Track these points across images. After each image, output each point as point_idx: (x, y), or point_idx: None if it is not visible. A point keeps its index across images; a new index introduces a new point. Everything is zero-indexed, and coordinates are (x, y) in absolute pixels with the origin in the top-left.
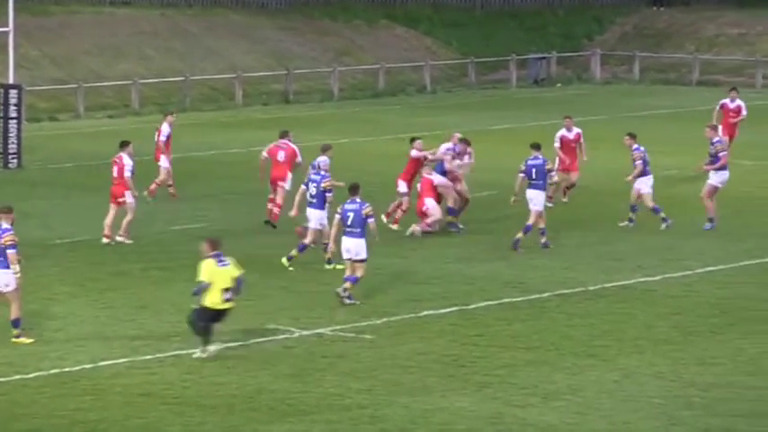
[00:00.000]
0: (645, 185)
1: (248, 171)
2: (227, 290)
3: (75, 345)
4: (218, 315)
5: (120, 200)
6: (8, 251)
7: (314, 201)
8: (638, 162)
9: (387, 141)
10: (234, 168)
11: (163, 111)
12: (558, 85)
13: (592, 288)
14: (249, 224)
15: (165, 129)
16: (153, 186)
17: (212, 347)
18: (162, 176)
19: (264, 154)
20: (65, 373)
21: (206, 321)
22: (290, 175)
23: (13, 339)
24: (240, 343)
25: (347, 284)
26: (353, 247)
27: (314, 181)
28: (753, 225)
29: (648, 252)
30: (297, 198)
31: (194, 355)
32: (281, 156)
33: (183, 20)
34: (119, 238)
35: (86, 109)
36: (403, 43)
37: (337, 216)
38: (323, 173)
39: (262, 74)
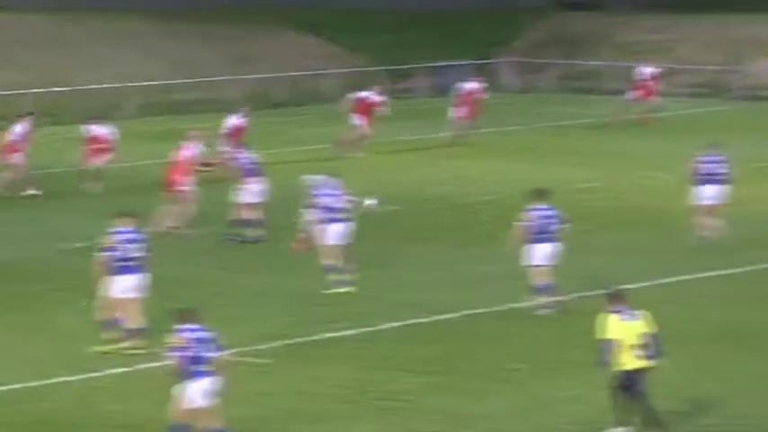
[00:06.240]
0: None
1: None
2: (637, 346)
3: None
4: (633, 377)
5: None
6: None
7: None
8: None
9: (288, 154)
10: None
11: (48, 122)
12: None
13: (498, 309)
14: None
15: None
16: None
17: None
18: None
19: None
20: None
21: (626, 390)
22: None
23: None
24: (101, 373)
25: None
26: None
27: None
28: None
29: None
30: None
31: None
32: None
33: (65, 26)
34: None
35: None
36: (306, 50)
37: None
38: None
39: (155, 82)
